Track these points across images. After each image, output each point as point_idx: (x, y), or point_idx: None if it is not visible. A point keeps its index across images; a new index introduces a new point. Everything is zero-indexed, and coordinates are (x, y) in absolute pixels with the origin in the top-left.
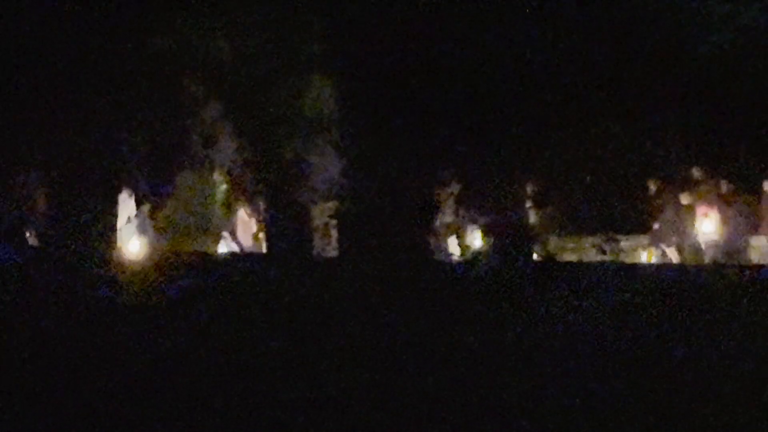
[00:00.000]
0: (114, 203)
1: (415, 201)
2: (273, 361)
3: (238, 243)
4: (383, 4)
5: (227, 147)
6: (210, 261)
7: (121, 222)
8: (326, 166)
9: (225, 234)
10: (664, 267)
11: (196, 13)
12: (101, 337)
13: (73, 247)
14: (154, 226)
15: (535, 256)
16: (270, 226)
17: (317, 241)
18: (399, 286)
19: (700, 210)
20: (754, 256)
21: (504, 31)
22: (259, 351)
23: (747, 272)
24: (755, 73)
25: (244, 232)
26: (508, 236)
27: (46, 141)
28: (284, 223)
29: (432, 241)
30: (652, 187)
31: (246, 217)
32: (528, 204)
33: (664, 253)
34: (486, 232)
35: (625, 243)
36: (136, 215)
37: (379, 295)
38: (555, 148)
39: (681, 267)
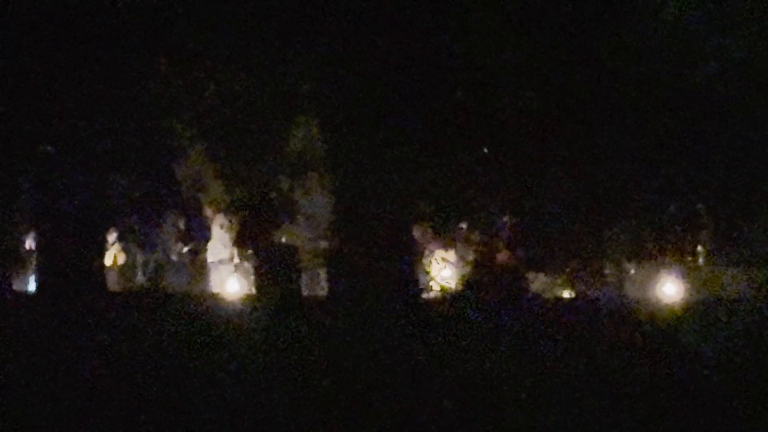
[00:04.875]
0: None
1: (401, 239)
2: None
3: None
4: (369, 43)
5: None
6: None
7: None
8: (314, 205)
9: None
10: None
11: (184, 56)
12: None
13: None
14: None
15: None
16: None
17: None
18: (388, 324)
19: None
20: None
21: (486, 75)
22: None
23: None
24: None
25: None
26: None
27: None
28: (273, 263)
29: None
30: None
31: None
32: None
33: None
34: None
35: None
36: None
37: (368, 332)
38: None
39: None
